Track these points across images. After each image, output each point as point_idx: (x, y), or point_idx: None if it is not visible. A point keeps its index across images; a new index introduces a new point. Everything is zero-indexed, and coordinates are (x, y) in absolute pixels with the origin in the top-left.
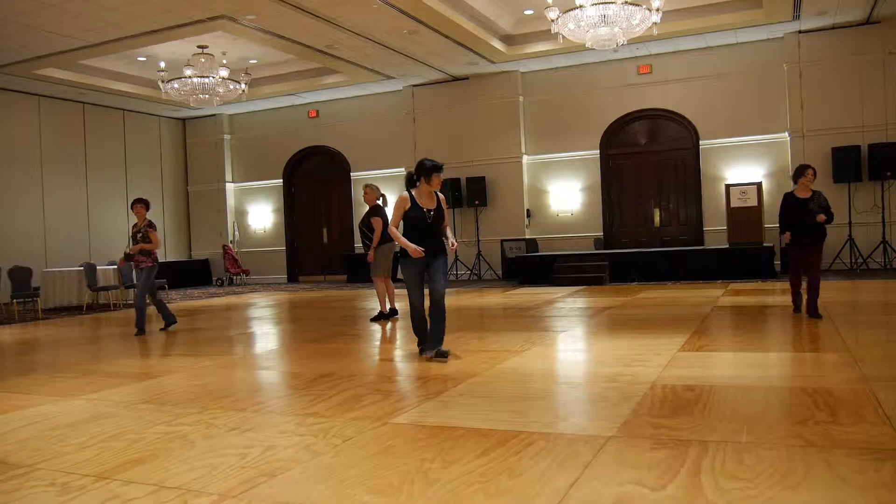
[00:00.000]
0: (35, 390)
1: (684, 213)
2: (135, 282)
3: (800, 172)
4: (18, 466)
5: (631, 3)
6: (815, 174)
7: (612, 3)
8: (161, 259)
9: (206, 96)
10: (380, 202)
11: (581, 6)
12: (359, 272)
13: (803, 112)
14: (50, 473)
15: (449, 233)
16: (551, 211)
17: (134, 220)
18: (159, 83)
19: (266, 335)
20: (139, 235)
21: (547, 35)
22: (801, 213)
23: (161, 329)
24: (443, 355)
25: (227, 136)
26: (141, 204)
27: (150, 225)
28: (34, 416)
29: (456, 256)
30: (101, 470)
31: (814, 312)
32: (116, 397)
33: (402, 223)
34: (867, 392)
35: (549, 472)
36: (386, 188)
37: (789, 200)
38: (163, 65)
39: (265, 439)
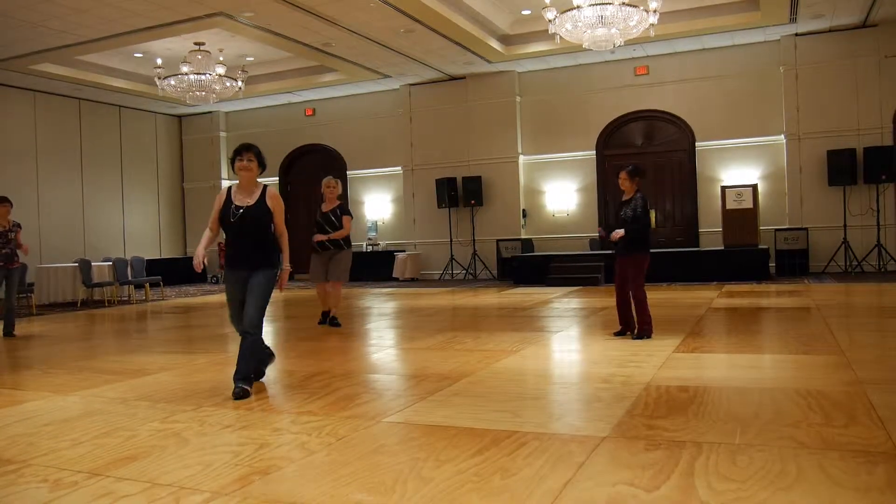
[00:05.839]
0: (29, 386)
1: (680, 214)
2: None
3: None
4: (11, 462)
5: (628, 5)
6: (629, 176)
7: (610, 4)
8: (157, 256)
9: (203, 93)
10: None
11: (578, 7)
12: (355, 271)
13: (799, 115)
14: (43, 469)
15: (283, 246)
16: (547, 211)
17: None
18: (156, 80)
19: None
20: (11, 235)
21: (544, 35)
22: (617, 216)
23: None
24: (240, 394)
25: (223, 134)
26: (7, 203)
27: None
28: (27, 411)
29: (451, 255)
30: (94, 466)
31: (641, 334)
32: (110, 394)
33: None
34: (861, 394)
35: (543, 472)
36: (383, 187)
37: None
38: (159, 61)
39: (259, 437)
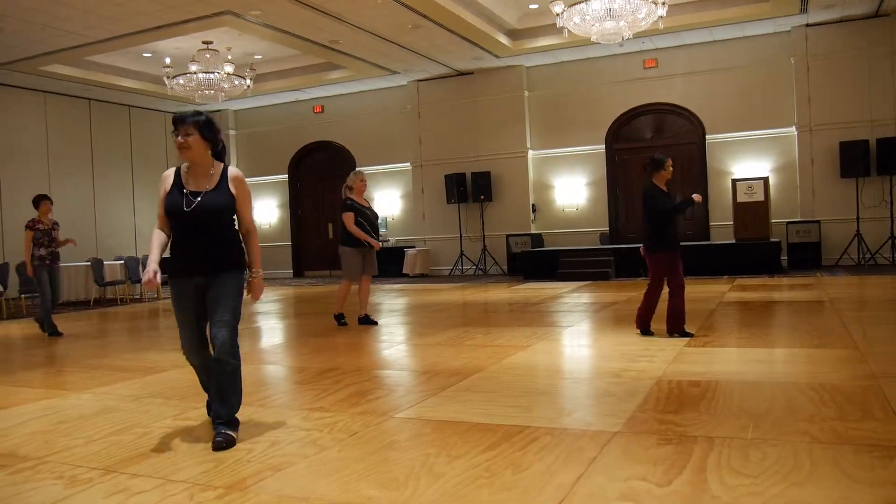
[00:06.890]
0: (43, 384)
1: (690, 207)
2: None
3: (660, 164)
4: (27, 459)
5: None
6: None
7: None
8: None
9: (211, 92)
10: (349, 192)
11: (586, 0)
12: None
13: (811, 106)
14: (58, 466)
15: (252, 248)
16: (557, 206)
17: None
18: (164, 79)
19: (272, 330)
20: (54, 234)
21: (552, 29)
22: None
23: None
24: (221, 444)
25: (232, 132)
26: (49, 201)
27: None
28: (42, 409)
29: (461, 251)
30: (109, 463)
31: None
32: (124, 391)
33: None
34: (875, 388)
35: (554, 467)
36: (392, 183)
37: (662, 192)
38: (168, 60)
39: (271, 434)
